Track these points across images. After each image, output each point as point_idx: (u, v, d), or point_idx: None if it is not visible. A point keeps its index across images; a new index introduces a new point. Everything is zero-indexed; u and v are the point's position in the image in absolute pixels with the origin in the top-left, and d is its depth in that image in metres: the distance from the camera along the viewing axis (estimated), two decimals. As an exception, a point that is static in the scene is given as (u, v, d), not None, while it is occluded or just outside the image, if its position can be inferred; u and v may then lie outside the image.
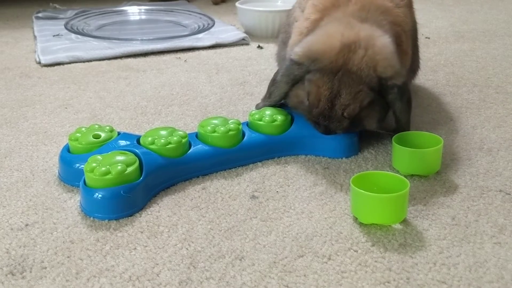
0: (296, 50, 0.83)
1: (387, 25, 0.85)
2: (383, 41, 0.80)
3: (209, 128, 0.81)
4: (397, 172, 0.79)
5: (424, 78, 1.20)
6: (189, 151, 0.79)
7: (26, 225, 0.68)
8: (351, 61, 0.78)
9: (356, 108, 0.79)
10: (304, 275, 0.59)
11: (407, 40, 0.89)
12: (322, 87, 0.79)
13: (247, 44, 1.51)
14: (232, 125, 0.82)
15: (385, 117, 0.85)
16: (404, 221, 0.68)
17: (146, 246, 0.64)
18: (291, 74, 0.83)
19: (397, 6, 0.89)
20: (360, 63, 0.78)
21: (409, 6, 0.94)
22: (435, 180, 0.78)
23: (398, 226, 0.67)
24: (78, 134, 0.81)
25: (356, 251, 0.63)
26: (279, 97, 0.87)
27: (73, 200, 0.73)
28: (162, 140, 0.77)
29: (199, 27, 1.63)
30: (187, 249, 0.63)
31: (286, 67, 0.85)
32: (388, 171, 0.79)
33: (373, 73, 0.78)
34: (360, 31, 0.80)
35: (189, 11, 1.83)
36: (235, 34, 1.56)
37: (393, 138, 0.79)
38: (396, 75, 0.80)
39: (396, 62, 0.80)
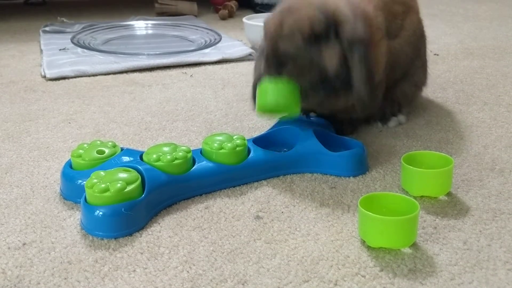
0: None
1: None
2: None
3: (215, 144, 0.80)
4: (406, 193, 0.77)
5: (433, 96, 1.18)
6: (193, 167, 0.78)
7: (24, 244, 0.66)
8: None
9: (304, 26, 0.81)
10: (309, 302, 0.56)
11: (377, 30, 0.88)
12: (271, 20, 0.83)
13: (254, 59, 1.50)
14: (238, 141, 0.81)
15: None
16: (414, 245, 0.65)
17: (145, 268, 0.61)
18: None
19: None
20: None
21: (382, 9, 0.91)
22: (445, 202, 0.75)
23: (407, 250, 0.64)
24: (80, 151, 0.79)
25: (363, 276, 0.60)
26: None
27: (73, 219, 0.71)
28: (168, 156, 0.75)
29: (205, 42, 1.63)
30: (188, 272, 0.61)
31: None
32: (397, 192, 0.77)
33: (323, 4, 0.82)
34: None
35: (196, 26, 1.83)
36: (242, 49, 1.55)
37: (402, 158, 0.77)
38: (345, 22, 0.81)
39: (348, 11, 0.82)
